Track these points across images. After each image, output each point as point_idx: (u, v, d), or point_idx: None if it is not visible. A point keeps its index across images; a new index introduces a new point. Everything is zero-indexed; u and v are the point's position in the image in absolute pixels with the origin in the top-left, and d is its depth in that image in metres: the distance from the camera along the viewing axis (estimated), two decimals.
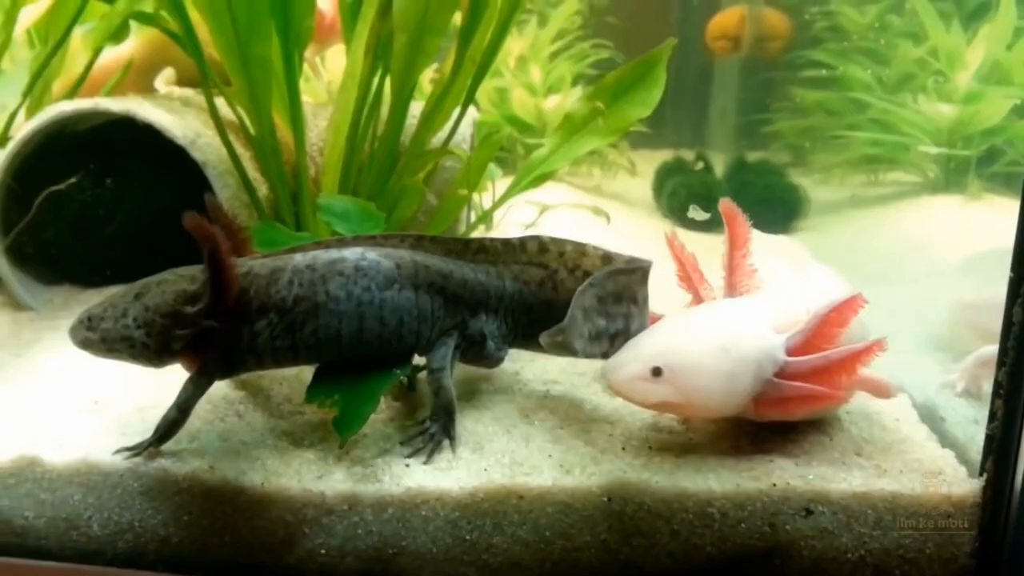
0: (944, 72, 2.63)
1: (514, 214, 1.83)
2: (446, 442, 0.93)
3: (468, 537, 0.87)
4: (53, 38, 1.28)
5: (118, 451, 0.91)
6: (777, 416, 0.90)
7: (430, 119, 1.32)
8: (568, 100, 2.81)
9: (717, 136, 3.08)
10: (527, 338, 1.01)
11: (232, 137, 1.23)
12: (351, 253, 0.92)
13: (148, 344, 0.88)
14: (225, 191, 1.21)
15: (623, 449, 0.92)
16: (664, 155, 2.89)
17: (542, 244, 1.01)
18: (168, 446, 0.92)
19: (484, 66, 1.33)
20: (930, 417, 1.01)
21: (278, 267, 0.91)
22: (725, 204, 1.01)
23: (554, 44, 3.09)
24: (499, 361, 1.01)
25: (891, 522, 0.83)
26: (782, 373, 0.88)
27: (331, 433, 0.96)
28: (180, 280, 0.91)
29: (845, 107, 2.97)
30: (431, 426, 0.93)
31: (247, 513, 0.88)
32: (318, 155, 1.42)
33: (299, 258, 0.91)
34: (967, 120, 2.47)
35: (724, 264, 1.01)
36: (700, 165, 2.67)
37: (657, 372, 0.87)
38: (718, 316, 0.95)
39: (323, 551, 0.89)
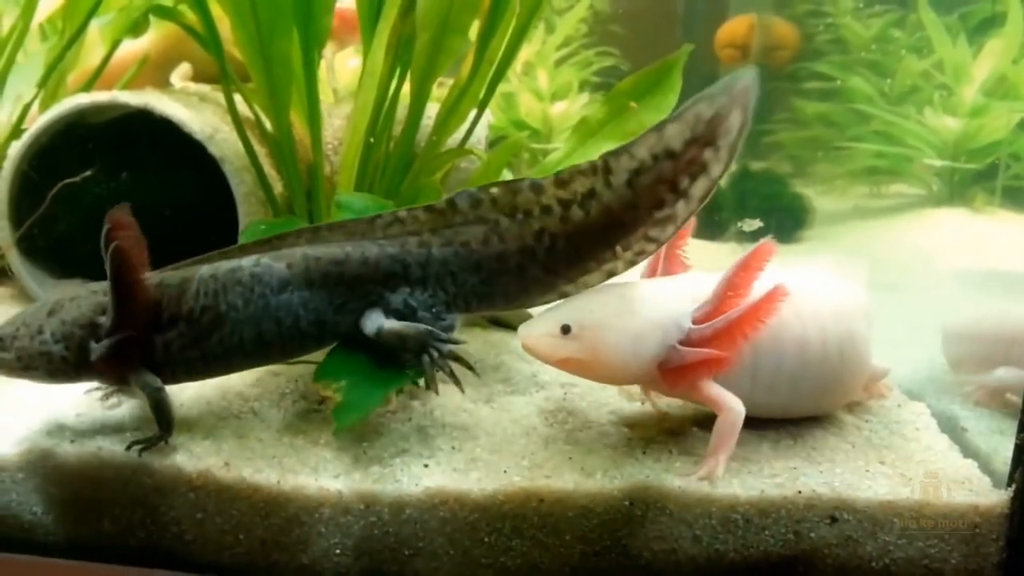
0: (949, 86, 2.64)
1: None
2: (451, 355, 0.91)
3: (487, 539, 0.86)
4: (70, 30, 1.27)
5: (130, 445, 0.89)
6: (683, 388, 0.90)
7: (447, 120, 1.32)
8: (574, 106, 2.82)
9: None
10: (484, 298, 0.96)
11: (248, 134, 1.22)
12: (247, 260, 0.92)
13: (67, 358, 0.89)
14: (242, 187, 1.21)
15: (643, 453, 0.91)
16: None
17: (473, 198, 0.93)
18: (182, 442, 0.91)
19: (501, 69, 1.32)
20: (950, 427, 1.01)
21: (187, 278, 0.91)
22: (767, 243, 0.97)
23: (559, 51, 3.10)
24: (448, 329, 0.94)
25: (916, 531, 0.83)
26: (687, 340, 0.88)
27: (348, 433, 0.95)
28: (93, 294, 0.92)
29: (848, 119, 2.98)
30: (423, 359, 0.91)
31: (263, 511, 0.87)
32: (332, 153, 1.42)
33: (205, 268, 0.92)
34: (972, 134, 2.49)
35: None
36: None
37: (566, 330, 0.89)
38: (635, 287, 0.97)
39: (339, 551, 0.87)
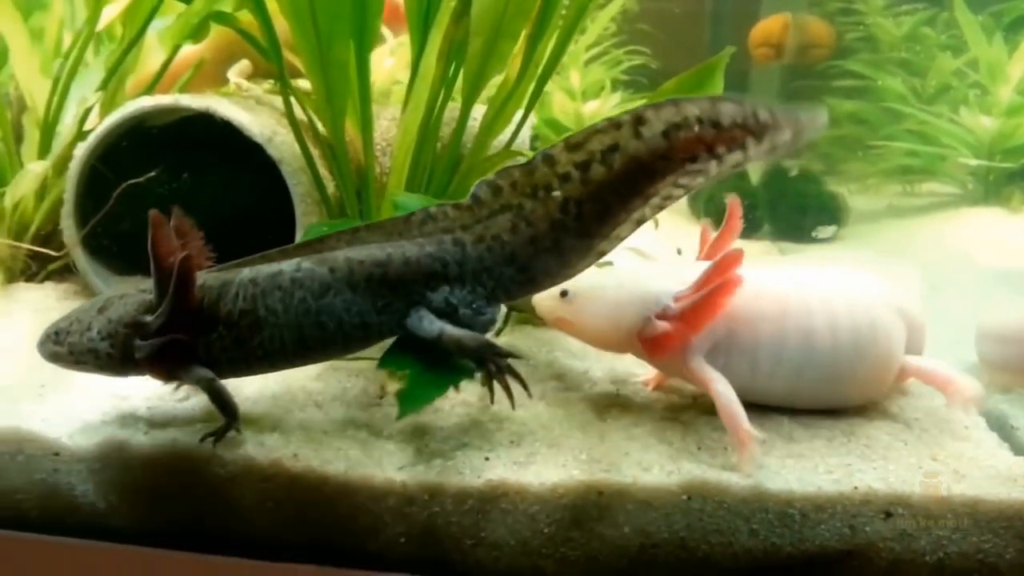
0: (983, 84, 2.63)
1: None
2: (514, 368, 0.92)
3: (546, 531, 0.89)
4: (129, 35, 1.31)
5: (204, 438, 0.93)
6: (662, 357, 0.98)
7: (493, 122, 1.35)
8: (606, 105, 2.83)
9: None
10: (525, 284, 0.97)
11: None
12: (288, 265, 0.94)
13: (112, 354, 0.93)
14: (299, 188, 1.24)
15: (698, 449, 0.93)
16: None
17: (492, 186, 0.94)
18: (251, 434, 0.94)
19: (547, 71, 1.35)
20: (999, 426, 1.02)
21: (228, 280, 0.93)
22: (732, 201, 1.07)
23: (590, 50, 3.12)
24: (489, 323, 0.96)
25: (971, 526, 0.84)
26: (662, 315, 0.97)
27: (410, 426, 0.98)
28: (141, 293, 0.96)
29: (880, 117, 2.98)
30: (488, 370, 0.93)
31: (330, 500, 0.90)
32: (379, 154, 1.45)
33: (246, 272, 0.94)
34: (1009, 133, 2.47)
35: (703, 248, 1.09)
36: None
37: (564, 294, 1.01)
38: (641, 267, 1.06)
39: (403, 539, 0.90)
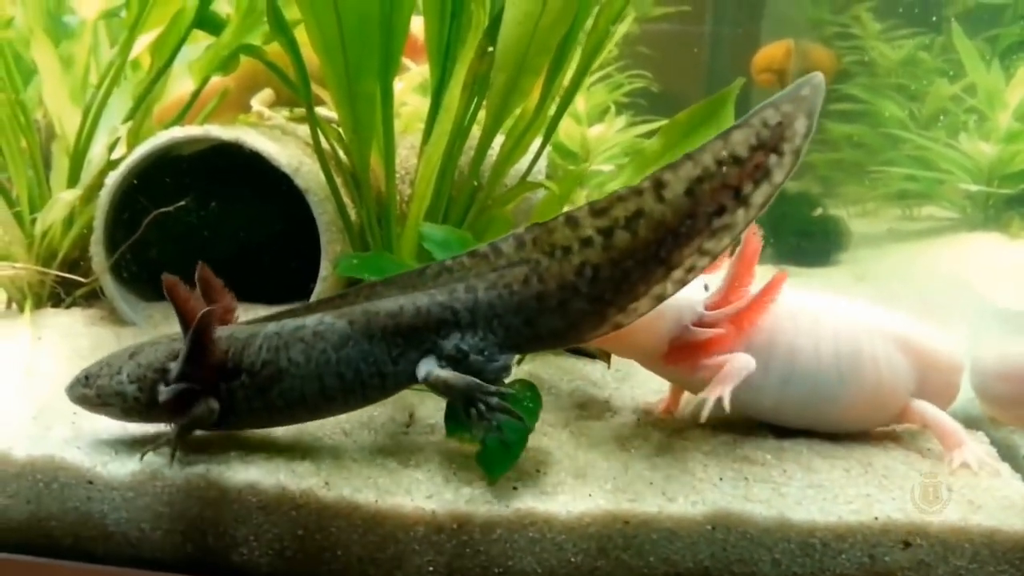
0: (980, 110, 2.68)
1: None
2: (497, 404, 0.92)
3: (573, 559, 0.91)
4: (157, 64, 1.34)
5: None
6: (686, 368, 1.01)
7: (512, 152, 1.38)
8: (611, 129, 2.87)
9: None
10: (532, 339, 0.96)
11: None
12: (311, 320, 0.97)
13: (139, 398, 0.96)
14: (324, 216, 1.27)
15: (720, 480, 0.96)
16: None
17: (518, 241, 0.95)
18: (282, 462, 0.96)
19: (565, 103, 1.38)
20: (1011, 456, 1.05)
21: (254, 333, 0.97)
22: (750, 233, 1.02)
23: (593, 74, 3.15)
24: (500, 371, 0.96)
25: (988, 556, 0.87)
26: (700, 323, 1.00)
27: (438, 455, 1.01)
28: (172, 341, 0.99)
29: (879, 141, 3.02)
30: (470, 412, 0.93)
31: (360, 529, 0.92)
32: (398, 182, 1.48)
33: (272, 326, 0.98)
34: (1007, 159, 2.52)
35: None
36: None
37: None
38: None
39: (431, 568, 0.92)
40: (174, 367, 0.95)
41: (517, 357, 1.26)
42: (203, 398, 0.95)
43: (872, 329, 1.04)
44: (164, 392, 0.95)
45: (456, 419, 0.96)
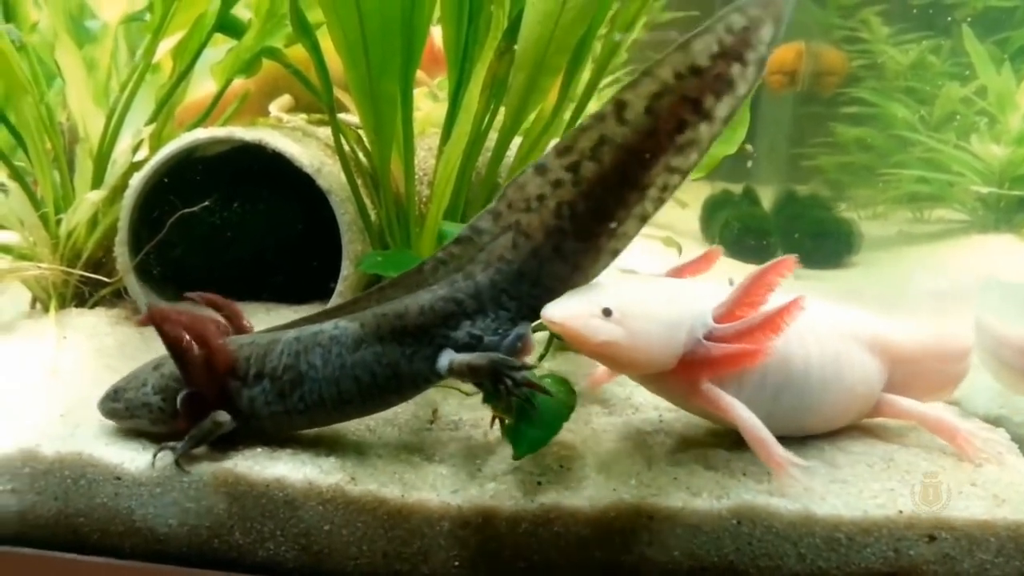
0: (991, 112, 2.68)
1: None
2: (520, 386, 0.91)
3: (597, 554, 0.91)
4: (180, 67, 1.36)
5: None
6: (689, 381, 0.94)
7: (529, 153, 1.39)
8: None
9: (760, 170, 3.14)
10: (543, 296, 0.94)
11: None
12: (328, 325, 0.98)
13: (164, 408, 0.99)
14: (345, 217, 1.28)
15: (744, 475, 0.96)
16: (704, 187, 2.94)
17: (493, 213, 0.94)
18: (308, 457, 0.97)
19: (582, 105, 1.39)
20: None
21: (275, 339, 0.99)
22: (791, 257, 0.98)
23: (604, 77, 3.16)
24: (516, 341, 0.94)
25: (1013, 550, 0.87)
26: (710, 336, 0.93)
27: (462, 450, 1.01)
28: None
29: (889, 144, 3.03)
30: (499, 388, 0.92)
31: (387, 524, 0.93)
32: (416, 183, 1.49)
33: (292, 332, 1.00)
34: (1018, 161, 2.52)
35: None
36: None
37: (607, 312, 0.90)
38: (660, 281, 1.01)
39: (457, 562, 0.93)
40: None
41: (539, 352, 1.27)
42: (210, 411, 0.97)
43: (846, 332, 1.03)
44: (180, 398, 0.97)
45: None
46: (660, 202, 0.92)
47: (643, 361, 0.94)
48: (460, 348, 0.94)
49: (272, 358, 0.97)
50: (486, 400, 0.96)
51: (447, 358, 0.94)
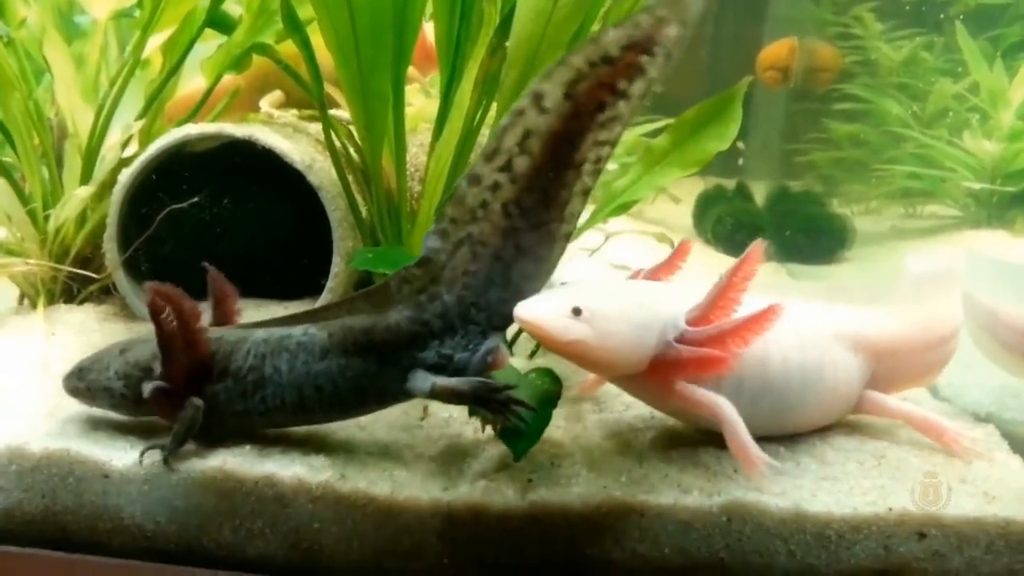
0: (983, 109, 2.69)
1: (579, 241, 1.87)
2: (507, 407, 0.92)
3: (588, 551, 0.91)
4: (169, 63, 1.35)
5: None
6: (666, 385, 0.94)
7: None
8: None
9: (754, 165, 3.14)
10: (513, 299, 0.94)
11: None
12: (297, 330, 0.98)
13: (126, 395, 0.99)
14: (336, 213, 1.27)
15: (735, 472, 0.96)
16: (697, 183, 2.94)
17: (439, 232, 0.94)
18: (298, 455, 0.97)
19: None
20: (1022, 449, 1.05)
21: (243, 337, 0.99)
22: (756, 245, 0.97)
23: None
24: (487, 356, 0.95)
25: (1003, 547, 0.87)
26: (681, 339, 0.93)
27: (452, 447, 1.01)
28: None
29: (881, 140, 3.04)
30: (491, 409, 0.93)
31: (377, 521, 0.93)
32: (408, 180, 1.48)
33: (260, 333, 0.99)
34: (1010, 157, 2.53)
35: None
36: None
37: (577, 312, 0.90)
38: (635, 283, 1.01)
39: (447, 560, 0.93)
40: (157, 366, 0.97)
41: (529, 351, 1.27)
42: (188, 400, 0.96)
43: (828, 332, 1.03)
44: (146, 389, 0.97)
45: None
46: (597, 173, 0.94)
47: (612, 361, 0.94)
48: (430, 368, 0.95)
49: (238, 357, 0.97)
50: (472, 413, 0.96)
51: (428, 381, 0.94)
